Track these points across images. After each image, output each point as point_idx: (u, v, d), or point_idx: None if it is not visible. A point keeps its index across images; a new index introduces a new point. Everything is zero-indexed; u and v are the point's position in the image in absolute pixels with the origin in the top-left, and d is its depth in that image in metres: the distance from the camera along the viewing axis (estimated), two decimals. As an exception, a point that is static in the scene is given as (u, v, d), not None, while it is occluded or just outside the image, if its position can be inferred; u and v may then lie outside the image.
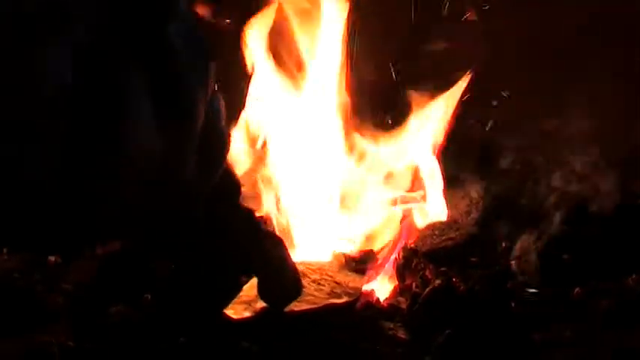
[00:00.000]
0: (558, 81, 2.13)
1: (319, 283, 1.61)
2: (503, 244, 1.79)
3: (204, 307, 1.46)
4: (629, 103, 2.05)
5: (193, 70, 0.89)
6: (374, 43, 2.01)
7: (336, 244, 1.80)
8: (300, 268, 1.64)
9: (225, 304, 1.47)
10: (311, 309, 1.49)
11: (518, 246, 1.74)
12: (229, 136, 1.01)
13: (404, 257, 1.71)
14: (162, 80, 0.84)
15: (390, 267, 1.77)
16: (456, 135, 2.03)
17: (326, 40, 1.88)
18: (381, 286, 1.71)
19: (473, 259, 1.75)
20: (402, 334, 1.48)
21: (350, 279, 1.64)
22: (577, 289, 1.57)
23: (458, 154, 2.07)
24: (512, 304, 1.53)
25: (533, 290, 1.62)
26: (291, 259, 1.31)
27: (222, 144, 1.00)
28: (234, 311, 1.46)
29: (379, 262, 1.77)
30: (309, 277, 1.62)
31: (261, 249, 1.23)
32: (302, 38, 1.89)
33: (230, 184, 1.12)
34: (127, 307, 1.50)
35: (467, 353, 1.38)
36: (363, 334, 1.47)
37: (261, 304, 1.40)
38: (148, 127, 0.83)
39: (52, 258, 1.74)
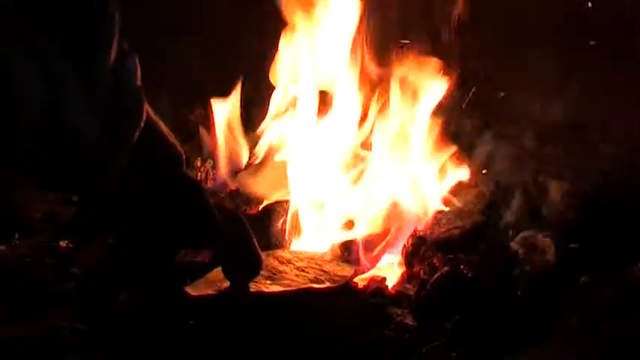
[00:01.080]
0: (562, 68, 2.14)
1: (303, 270, 1.62)
2: (511, 233, 1.79)
3: (155, 282, 1.45)
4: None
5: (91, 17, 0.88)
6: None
7: (337, 236, 1.81)
8: (287, 256, 1.66)
9: (183, 281, 1.48)
10: (283, 291, 1.50)
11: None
12: (141, 98, 0.98)
13: (412, 245, 1.72)
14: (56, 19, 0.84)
15: (394, 255, 1.79)
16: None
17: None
18: (389, 274, 1.71)
19: (480, 247, 1.75)
20: (409, 320, 1.49)
21: (340, 269, 1.66)
22: (584, 278, 1.58)
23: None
24: (519, 292, 1.54)
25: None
26: (251, 236, 1.30)
27: (134, 104, 0.97)
28: (195, 289, 1.47)
29: (375, 252, 1.79)
30: (293, 264, 1.63)
31: (211, 221, 1.21)
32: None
33: (170, 153, 1.10)
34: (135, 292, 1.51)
35: (474, 340, 1.39)
36: (371, 320, 1.48)
37: (226, 284, 1.40)
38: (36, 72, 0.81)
39: (62, 243, 1.76)
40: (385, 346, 1.42)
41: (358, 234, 1.80)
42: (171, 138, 1.10)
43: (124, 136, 0.96)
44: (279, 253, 1.70)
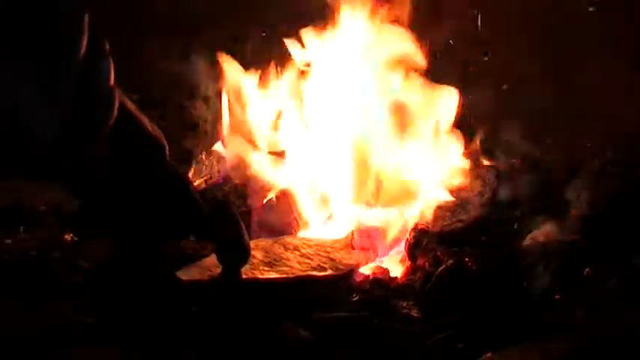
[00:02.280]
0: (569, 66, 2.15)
1: (308, 257, 1.62)
2: (515, 225, 1.80)
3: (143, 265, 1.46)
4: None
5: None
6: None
7: (350, 223, 1.82)
8: (295, 242, 1.66)
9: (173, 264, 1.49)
10: (279, 278, 1.50)
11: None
12: (112, 99, 0.99)
13: (414, 237, 1.72)
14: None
15: (399, 247, 1.79)
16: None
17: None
18: (394, 266, 1.72)
19: (483, 240, 1.76)
20: (415, 312, 1.49)
21: (348, 257, 1.66)
22: (587, 269, 1.58)
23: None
24: (523, 284, 1.55)
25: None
26: (239, 223, 1.31)
27: (103, 104, 0.98)
28: (186, 274, 1.48)
29: (387, 242, 1.79)
30: (299, 251, 1.63)
31: (196, 211, 1.22)
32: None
33: (151, 146, 1.13)
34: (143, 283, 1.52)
35: (478, 332, 1.40)
36: (376, 312, 1.48)
37: (219, 270, 1.39)
38: None
39: (68, 236, 1.77)
40: (390, 338, 1.42)
41: (372, 222, 1.80)
42: (154, 130, 1.13)
43: (90, 134, 0.98)
44: (288, 239, 1.70)
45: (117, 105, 1.00)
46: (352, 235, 1.76)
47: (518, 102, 2.25)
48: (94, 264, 1.63)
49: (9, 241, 1.72)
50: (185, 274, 1.48)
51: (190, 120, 2.33)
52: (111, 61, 0.98)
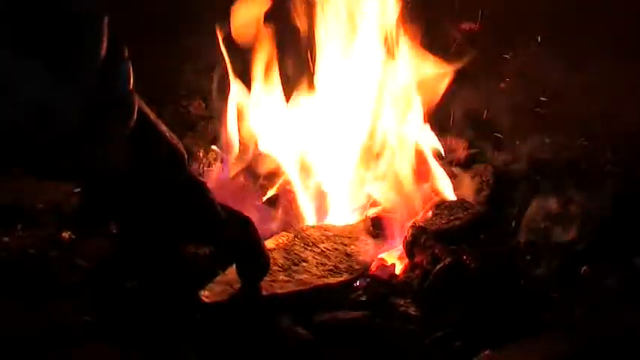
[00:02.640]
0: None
1: (326, 255, 1.62)
2: (513, 223, 1.80)
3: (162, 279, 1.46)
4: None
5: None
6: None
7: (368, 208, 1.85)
8: (315, 234, 1.67)
9: (197, 283, 1.47)
10: (296, 290, 1.50)
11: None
12: (132, 101, 1.01)
13: (412, 235, 1.72)
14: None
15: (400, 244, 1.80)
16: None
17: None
18: (393, 262, 1.73)
19: (482, 238, 1.77)
20: (413, 310, 1.49)
21: (364, 250, 1.67)
22: (585, 268, 1.59)
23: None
24: (522, 282, 1.55)
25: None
26: (258, 237, 1.32)
27: (123, 107, 1.00)
28: (209, 294, 1.45)
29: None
30: (317, 247, 1.64)
31: (215, 220, 1.23)
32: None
33: (171, 153, 1.14)
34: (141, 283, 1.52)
35: (477, 330, 1.40)
36: (374, 310, 1.48)
37: (239, 285, 1.40)
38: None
39: (66, 235, 1.76)
40: (389, 337, 1.42)
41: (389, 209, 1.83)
42: (174, 139, 1.14)
43: (109, 135, 1.00)
44: (308, 231, 1.71)
45: (136, 108, 1.02)
46: (367, 221, 1.78)
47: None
48: (93, 263, 1.63)
49: (7, 239, 1.72)
50: (208, 296, 1.45)
51: (189, 119, 2.33)
52: (130, 64, 1.00)
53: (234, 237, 1.28)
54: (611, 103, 2.06)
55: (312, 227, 1.75)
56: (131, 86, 1.00)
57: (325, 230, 1.72)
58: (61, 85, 0.89)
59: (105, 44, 0.92)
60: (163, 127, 1.12)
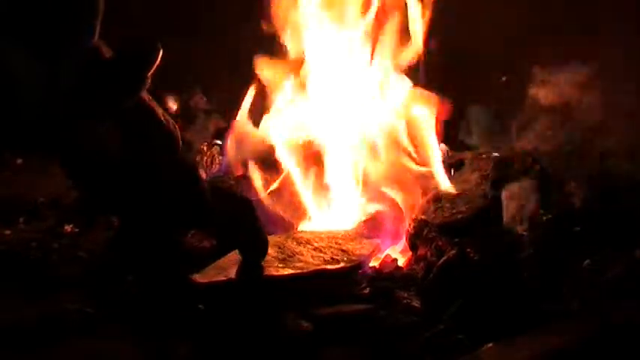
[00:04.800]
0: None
1: (321, 251, 1.62)
2: (516, 217, 1.79)
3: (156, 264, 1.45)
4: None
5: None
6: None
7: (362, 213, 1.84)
8: (306, 236, 1.66)
9: (191, 268, 1.48)
10: (294, 274, 1.50)
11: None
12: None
13: (414, 228, 1.72)
14: None
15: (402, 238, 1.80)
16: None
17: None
18: (397, 256, 1.73)
19: (484, 230, 1.76)
20: (416, 303, 1.49)
21: (360, 247, 1.66)
22: (586, 260, 1.58)
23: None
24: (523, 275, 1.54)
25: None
26: (257, 217, 1.33)
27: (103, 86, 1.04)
28: (203, 276, 1.47)
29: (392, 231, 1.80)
30: (311, 245, 1.63)
31: (206, 204, 1.25)
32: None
33: (165, 138, 1.17)
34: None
35: (479, 322, 1.40)
36: (379, 302, 1.48)
37: (234, 270, 1.41)
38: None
39: (67, 228, 1.76)
40: (392, 329, 1.42)
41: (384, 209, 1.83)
42: (169, 122, 1.16)
43: (103, 107, 1.05)
44: (300, 233, 1.71)
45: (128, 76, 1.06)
46: (362, 225, 1.77)
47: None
48: (93, 255, 1.63)
49: (9, 232, 1.72)
50: (202, 277, 1.47)
51: (190, 112, 2.33)
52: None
53: (233, 214, 1.29)
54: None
55: (303, 231, 1.76)
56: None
57: (317, 234, 1.72)
58: (54, 63, 0.94)
59: (98, 25, 0.95)
60: (158, 109, 1.15)
